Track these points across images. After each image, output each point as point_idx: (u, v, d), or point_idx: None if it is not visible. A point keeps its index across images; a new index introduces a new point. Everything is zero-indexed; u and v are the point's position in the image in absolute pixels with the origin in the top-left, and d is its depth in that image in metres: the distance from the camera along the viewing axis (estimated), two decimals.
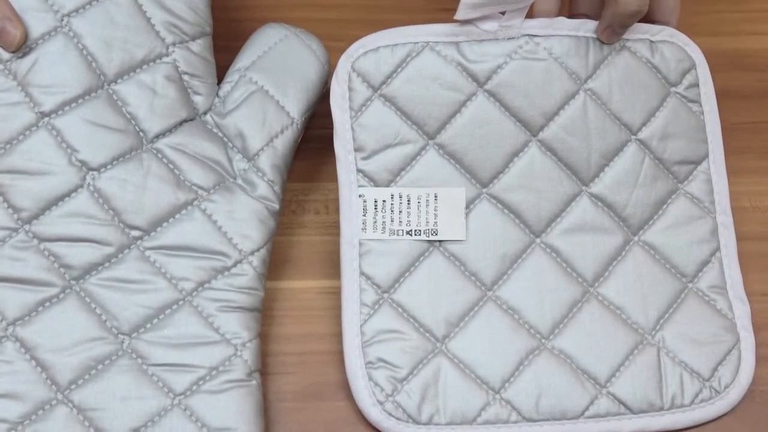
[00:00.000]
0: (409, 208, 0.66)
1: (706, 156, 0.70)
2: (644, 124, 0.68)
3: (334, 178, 0.67)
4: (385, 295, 0.65)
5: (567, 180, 0.68)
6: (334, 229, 0.69)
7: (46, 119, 0.62)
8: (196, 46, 0.66)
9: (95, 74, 0.63)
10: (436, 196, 0.66)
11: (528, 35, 0.67)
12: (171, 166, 0.64)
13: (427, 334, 0.65)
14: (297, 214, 0.71)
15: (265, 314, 0.66)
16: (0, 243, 0.61)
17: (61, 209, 0.62)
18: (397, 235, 0.66)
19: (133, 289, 0.62)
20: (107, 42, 0.63)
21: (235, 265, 0.63)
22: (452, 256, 0.66)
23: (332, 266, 0.68)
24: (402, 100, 0.66)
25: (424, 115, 0.67)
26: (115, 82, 0.64)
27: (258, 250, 0.64)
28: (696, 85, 0.70)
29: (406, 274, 0.66)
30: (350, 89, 0.67)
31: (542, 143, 0.67)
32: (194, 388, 0.60)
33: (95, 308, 0.61)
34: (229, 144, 0.66)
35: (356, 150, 0.66)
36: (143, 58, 0.64)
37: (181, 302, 0.62)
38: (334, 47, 0.71)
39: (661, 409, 0.64)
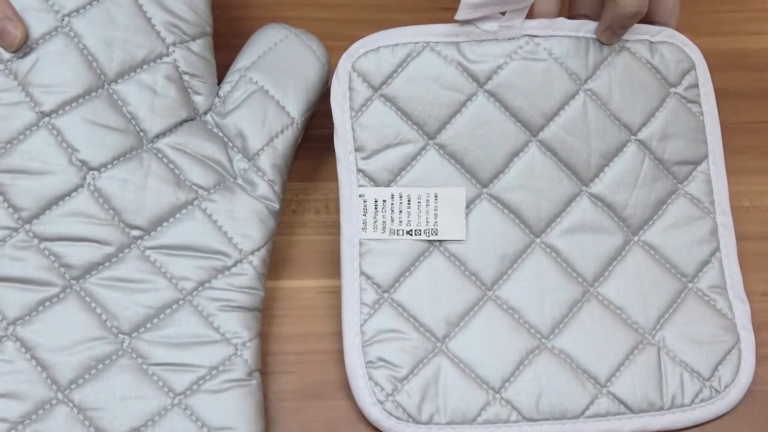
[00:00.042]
0: (409, 207, 0.66)
1: (706, 156, 0.70)
2: (644, 124, 0.69)
3: (334, 177, 0.67)
4: (386, 295, 0.65)
5: (567, 180, 0.68)
6: (334, 228, 0.69)
7: (47, 119, 0.62)
8: (197, 46, 0.66)
9: (96, 74, 0.63)
10: (436, 196, 0.66)
11: (528, 36, 0.67)
12: (171, 166, 0.64)
13: (427, 334, 0.65)
14: (297, 214, 0.71)
15: (265, 313, 0.66)
16: (0, 242, 0.61)
17: (62, 209, 0.62)
18: (398, 234, 0.66)
19: (134, 289, 0.62)
20: (108, 42, 0.63)
21: (235, 264, 0.63)
22: (452, 255, 0.66)
23: (332, 265, 0.68)
24: (402, 100, 0.66)
25: (424, 115, 0.67)
26: (116, 81, 0.64)
27: (258, 249, 0.64)
28: (695, 85, 0.70)
29: (407, 274, 0.66)
30: (351, 89, 0.67)
31: (542, 143, 0.67)
32: (194, 387, 0.60)
33: (95, 308, 0.61)
34: (230, 144, 0.66)
35: (357, 150, 0.66)
36: (144, 58, 0.64)
37: (181, 302, 0.62)
38: (334, 46, 0.71)
39: (662, 408, 0.64)
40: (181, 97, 0.65)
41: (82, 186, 0.62)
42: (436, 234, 0.66)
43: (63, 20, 0.63)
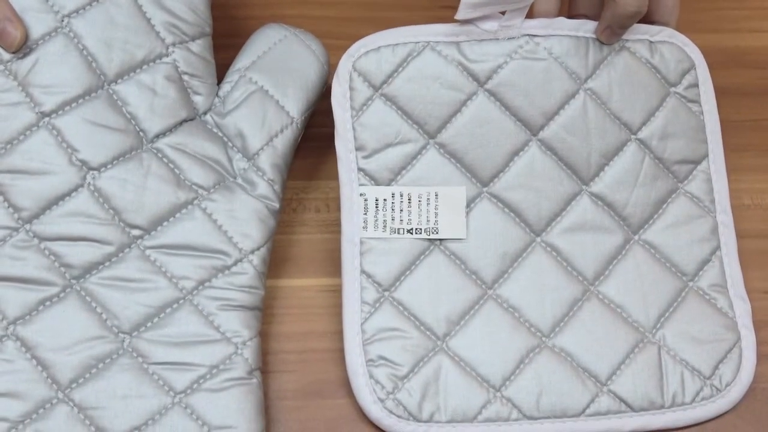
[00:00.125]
0: (409, 206, 0.66)
1: (706, 156, 0.70)
2: (644, 123, 0.69)
3: (334, 176, 0.67)
4: (386, 294, 0.65)
5: (567, 179, 0.68)
6: (334, 227, 0.69)
7: (47, 119, 0.62)
8: (196, 46, 0.66)
9: (95, 74, 0.63)
10: (436, 195, 0.66)
11: (528, 35, 0.67)
12: (171, 166, 0.64)
13: (427, 332, 0.65)
14: (298, 212, 0.71)
15: (265, 312, 0.66)
16: (0, 242, 0.61)
17: (62, 209, 0.62)
18: (398, 233, 0.66)
19: (134, 288, 0.62)
20: (107, 42, 0.63)
21: (235, 263, 0.63)
22: (453, 254, 0.66)
23: (333, 264, 0.68)
24: (403, 99, 0.66)
25: (424, 115, 0.67)
26: (116, 82, 0.64)
27: (258, 248, 0.64)
28: (695, 85, 0.70)
29: (407, 273, 0.66)
30: (351, 89, 0.67)
31: (542, 142, 0.67)
32: (195, 386, 0.60)
33: (96, 307, 0.61)
34: (229, 143, 0.66)
35: (357, 149, 0.66)
36: (143, 58, 0.64)
37: (181, 301, 0.62)
38: (333, 45, 0.71)
39: (662, 407, 0.64)
40: (180, 97, 0.65)
41: (82, 186, 0.62)
42: (437, 233, 0.66)
43: (63, 21, 0.63)
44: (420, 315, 0.65)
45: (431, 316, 0.65)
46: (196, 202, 0.64)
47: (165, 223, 0.63)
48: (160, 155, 0.64)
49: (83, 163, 0.62)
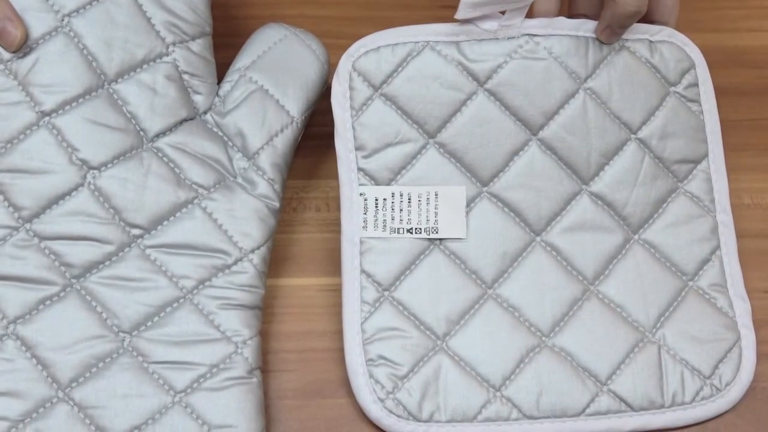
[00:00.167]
0: (409, 206, 0.66)
1: (706, 155, 0.70)
2: (644, 123, 0.69)
3: (334, 175, 0.67)
4: (386, 293, 0.65)
5: (567, 179, 0.68)
6: (334, 226, 0.69)
7: (47, 118, 0.62)
8: (196, 45, 0.66)
9: (96, 74, 0.63)
10: (436, 195, 0.66)
11: (528, 35, 0.67)
12: (171, 165, 0.64)
13: (427, 332, 0.65)
14: (298, 212, 0.71)
15: (265, 311, 0.66)
16: (1, 241, 0.61)
17: (62, 208, 0.62)
18: (398, 233, 0.66)
19: (134, 287, 0.62)
20: (108, 42, 0.63)
21: (235, 263, 0.63)
22: (453, 254, 0.66)
23: (333, 263, 0.68)
24: (403, 99, 0.66)
25: (424, 114, 0.67)
26: (116, 81, 0.64)
27: (258, 248, 0.64)
28: (695, 84, 0.70)
29: (407, 272, 0.66)
30: (351, 88, 0.67)
31: (542, 142, 0.67)
32: (195, 385, 0.60)
33: (96, 306, 0.61)
34: (229, 143, 0.66)
35: (357, 149, 0.66)
36: (143, 57, 0.64)
37: (181, 300, 0.62)
38: (333, 44, 0.71)
39: (662, 406, 0.64)
40: (180, 96, 0.65)
41: (82, 185, 0.62)
42: (437, 232, 0.66)
43: (63, 20, 0.63)
44: (420, 314, 0.65)
45: (431, 315, 0.65)
46: (196, 201, 0.64)
47: (165, 223, 0.63)
48: (160, 154, 0.64)
49: (83, 162, 0.62)
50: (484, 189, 0.67)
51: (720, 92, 0.71)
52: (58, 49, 0.62)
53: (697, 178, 0.69)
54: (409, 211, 0.66)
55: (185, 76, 0.65)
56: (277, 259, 0.68)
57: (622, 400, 0.64)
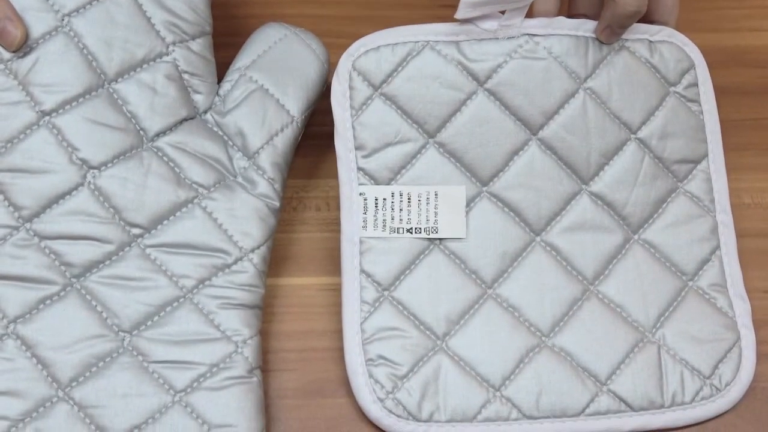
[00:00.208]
0: (409, 206, 0.66)
1: (706, 155, 0.70)
2: (644, 123, 0.69)
3: (334, 174, 0.67)
4: (386, 293, 0.65)
5: (567, 178, 0.68)
6: (334, 225, 0.69)
7: (47, 118, 0.62)
8: (196, 45, 0.66)
9: (96, 73, 0.63)
10: (436, 194, 0.66)
11: (528, 34, 0.67)
12: (171, 165, 0.64)
13: (427, 332, 0.65)
14: (298, 211, 0.71)
15: (265, 311, 0.66)
16: (1, 241, 0.61)
17: (62, 207, 0.62)
18: (398, 233, 0.66)
19: (134, 287, 0.62)
20: (108, 41, 0.63)
21: (235, 262, 0.63)
22: (452, 254, 0.66)
23: (333, 263, 0.68)
24: (402, 98, 0.66)
25: (424, 114, 0.67)
26: (116, 81, 0.64)
27: (258, 247, 0.64)
28: (695, 84, 0.70)
29: (407, 272, 0.66)
30: (351, 88, 0.67)
31: (542, 142, 0.67)
32: (195, 385, 0.61)
33: (96, 306, 0.61)
34: (230, 142, 0.66)
35: (357, 148, 0.66)
36: (143, 57, 0.64)
37: (181, 299, 0.62)
38: (333, 43, 0.71)
39: (662, 406, 0.64)
40: (181, 96, 0.65)
41: (82, 184, 0.62)
42: (437, 232, 0.66)
43: (63, 20, 0.63)
44: (419, 314, 0.65)
45: (431, 315, 0.65)
46: (196, 200, 0.64)
47: (165, 222, 0.63)
48: (160, 154, 0.64)
49: (83, 161, 0.62)
50: (484, 189, 0.67)
51: (721, 92, 0.71)
52: (58, 49, 0.62)
53: (697, 178, 0.69)
54: (409, 211, 0.66)
55: (185, 76, 0.65)
56: (277, 258, 0.68)
57: (621, 400, 0.64)
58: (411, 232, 0.66)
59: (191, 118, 0.66)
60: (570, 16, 0.69)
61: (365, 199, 0.66)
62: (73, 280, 0.61)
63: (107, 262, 0.62)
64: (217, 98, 0.67)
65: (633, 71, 0.68)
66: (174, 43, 0.65)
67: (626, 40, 0.68)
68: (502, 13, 0.66)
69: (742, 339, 0.67)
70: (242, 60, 0.68)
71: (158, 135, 0.64)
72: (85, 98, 0.63)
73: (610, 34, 0.67)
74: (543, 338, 0.65)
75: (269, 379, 0.65)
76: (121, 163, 0.63)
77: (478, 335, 0.65)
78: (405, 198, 0.66)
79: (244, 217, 0.64)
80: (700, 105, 0.70)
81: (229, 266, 0.63)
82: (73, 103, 0.62)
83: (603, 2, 0.66)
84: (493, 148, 0.67)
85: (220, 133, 0.66)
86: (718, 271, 0.68)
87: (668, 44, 0.69)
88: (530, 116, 0.67)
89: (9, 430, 0.58)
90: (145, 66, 0.64)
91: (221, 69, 0.68)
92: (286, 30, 0.69)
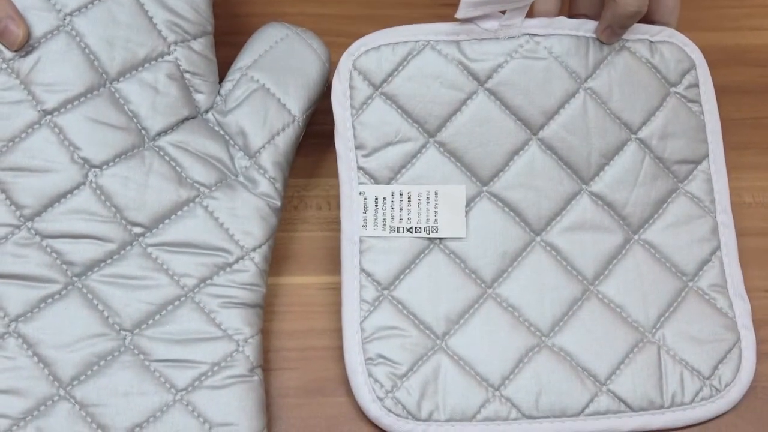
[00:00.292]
0: (409, 205, 0.66)
1: (706, 155, 0.70)
2: (644, 123, 0.69)
3: (335, 173, 0.67)
4: (385, 292, 0.65)
5: (567, 178, 0.68)
6: (335, 224, 0.69)
7: (49, 117, 0.62)
8: (198, 44, 0.66)
9: (97, 73, 0.63)
10: (436, 194, 0.66)
11: (528, 34, 0.67)
12: (173, 164, 0.64)
13: (427, 331, 0.65)
14: (299, 210, 0.71)
15: (266, 310, 0.66)
16: (2, 240, 0.61)
17: (64, 206, 0.62)
18: (398, 232, 0.66)
19: (135, 286, 0.62)
20: (109, 41, 0.63)
21: (236, 261, 0.63)
22: (452, 253, 0.66)
23: (333, 262, 0.68)
24: (403, 98, 0.66)
25: (424, 113, 0.67)
26: (117, 80, 0.64)
27: (260, 246, 0.64)
28: (696, 85, 0.70)
29: (407, 271, 0.66)
30: (351, 87, 0.67)
31: (542, 142, 0.67)
32: (196, 383, 0.61)
33: (97, 305, 0.61)
34: (231, 142, 0.66)
35: (357, 147, 0.66)
36: (145, 56, 0.64)
37: (183, 298, 0.62)
38: (334, 42, 0.71)
39: (662, 407, 0.64)
40: (182, 95, 0.65)
41: (84, 183, 0.62)
42: (437, 231, 0.66)
43: (65, 19, 0.63)
44: (419, 314, 0.65)
45: (430, 314, 0.65)
46: (197, 199, 0.64)
47: (167, 221, 0.63)
48: (161, 153, 0.64)
49: (85, 160, 0.62)
50: (484, 188, 0.67)
51: (722, 91, 0.71)
52: (59, 48, 0.63)
53: (698, 179, 0.69)
54: (409, 210, 0.66)
55: (187, 75, 0.65)
56: (278, 257, 0.69)
57: (621, 400, 0.64)
58: (411, 232, 0.66)
59: (193, 118, 0.66)
60: (570, 16, 0.69)
61: (365, 199, 0.66)
62: (75, 278, 0.62)
63: (109, 261, 0.62)
64: (218, 98, 0.67)
65: (633, 71, 0.68)
66: (175, 43, 0.65)
67: (627, 40, 0.68)
68: (503, 12, 0.66)
69: (742, 340, 0.67)
70: (244, 59, 0.68)
71: (160, 134, 0.64)
72: (86, 97, 0.63)
73: (611, 34, 0.67)
74: (543, 338, 0.65)
75: (270, 377, 0.65)
76: (123, 162, 0.63)
77: (478, 335, 0.65)
78: (405, 197, 0.66)
79: (245, 216, 0.64)
80: (700, 105, 0.70)
81: (230, 265, 0.63)
82: (75, 103, 0.62)
83: (604, 2, 0.66)
84: (494, 148, 0.67)
85: (222, 132, 0.66)
86: (718, 272, 0.68)
87: (669, 45, 0.69)
88: (531, 116, 0.67)
89: (10, 429, 0.58)
90: (146, 65, 0.64)
91: (223, 68, 0.68)
92: (287, 30, 0.69)
